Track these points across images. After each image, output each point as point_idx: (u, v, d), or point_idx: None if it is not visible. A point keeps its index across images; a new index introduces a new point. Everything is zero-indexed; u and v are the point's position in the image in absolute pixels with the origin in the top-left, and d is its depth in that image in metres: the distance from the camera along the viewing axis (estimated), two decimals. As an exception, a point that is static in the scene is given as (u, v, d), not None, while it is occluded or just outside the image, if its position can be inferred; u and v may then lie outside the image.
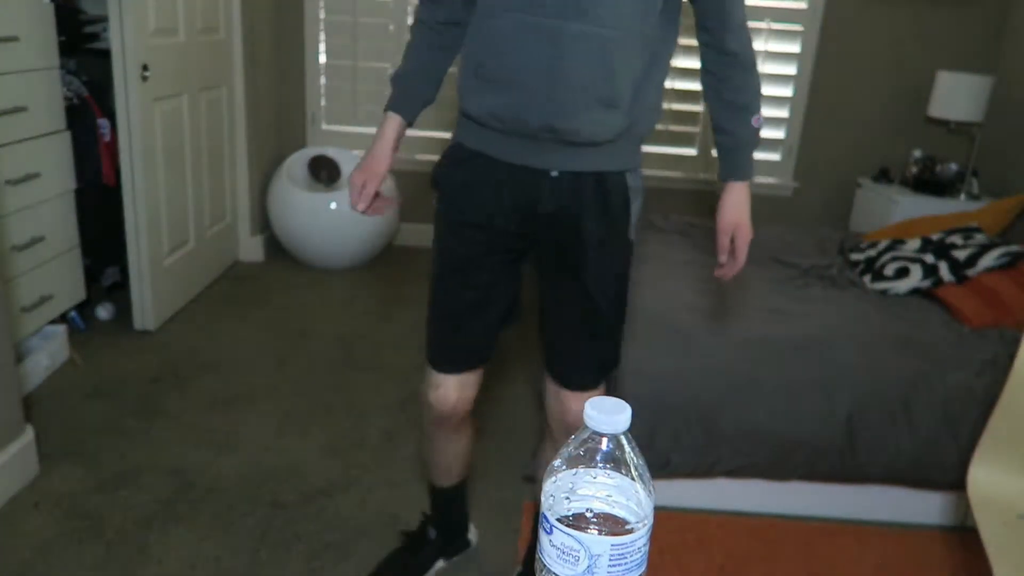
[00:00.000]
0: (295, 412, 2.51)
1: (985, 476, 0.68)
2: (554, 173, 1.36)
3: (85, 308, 2.95)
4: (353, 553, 1.91)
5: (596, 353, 1.52)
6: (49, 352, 2.60)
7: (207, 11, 3.21)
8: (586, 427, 0.60)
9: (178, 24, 2.99)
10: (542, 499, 0.62)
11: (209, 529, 1.95)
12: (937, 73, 3.55)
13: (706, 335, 2.14)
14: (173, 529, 1.94)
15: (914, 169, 3.65)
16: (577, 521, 0.59)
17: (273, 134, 3.95)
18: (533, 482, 2.19)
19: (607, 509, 0.60)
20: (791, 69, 3.82)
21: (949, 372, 2.08)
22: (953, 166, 3.59)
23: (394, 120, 1.47)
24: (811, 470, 2.07)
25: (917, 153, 3.69)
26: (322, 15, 3.86)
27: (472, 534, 1.93)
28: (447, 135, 3.48)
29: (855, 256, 2.87)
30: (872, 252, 2.81)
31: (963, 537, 2.13)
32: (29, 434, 2.10)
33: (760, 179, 4.04)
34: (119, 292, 3.11)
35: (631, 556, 0.60)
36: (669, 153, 4.00)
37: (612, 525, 0.59)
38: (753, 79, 1.43)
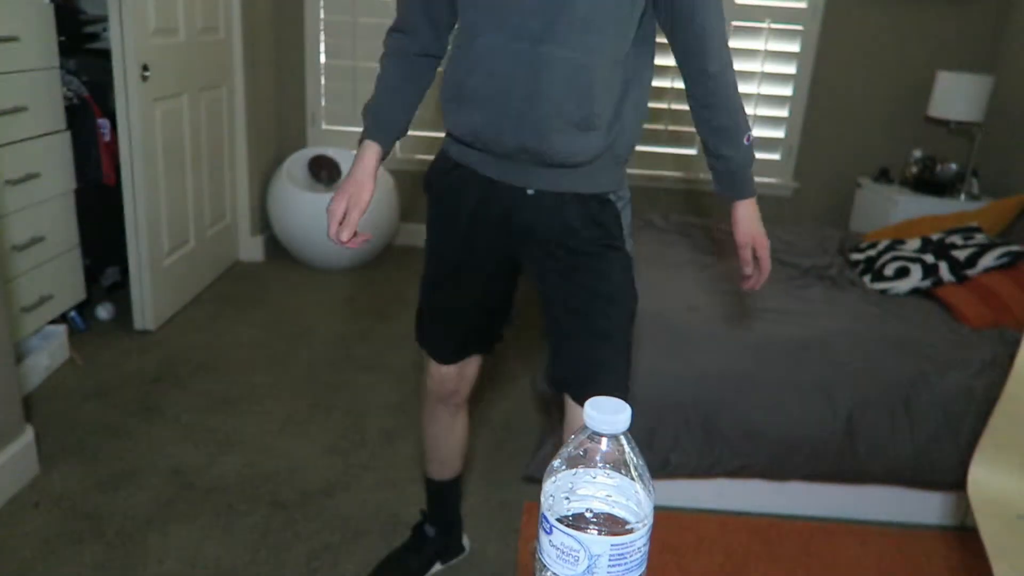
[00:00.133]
0: (295, 412, 2.51)
1: (985, 476, 0.68)
2: (530, 191, 1.37)
3: (85, 308, 2.95)
4: (353, 553, 1.91)
5: (605, 381, 1.44)
6: (49, 352, 2.60)
7: (207, 11, 3.22)
8: (586, 427, 0.60)
9: (178, 24, 2.99)
10: (542, 499, 0.62)
11: (209, 529, 1.96)
12: (937, 73, 3.55)
13: (706, 335, 2.14)
14: (173, 529, 1.94)
15: (914, 169, 3.65)
16: (577, 521, 0.59)
17: (273, 134, 3.96)
18: (533, 482, 2.19)
19: (607, 509, 0.60)
20: (791, 69, 3.82)
21: (949, 372, 2.08)
22: (953, 166, 3.58)
23: (372, 147, 1.44)
24: (811, 470, 2.07)
25: (917, 153, 3.69)
26: (322, 15, 3.86)
27: (466, 540, 1.94)
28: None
29: (855, 256, 2.87)
30: (872, 252, 2.81)
31: (963, 537, 2.13)
32: (29, 434, 2.10)
33: (760, 179, 4.03)
34: (119, 292, 3.12)
35: (631, 556, 0.60)
36: (669, 153, 4.00)
37: (612, 525, 0.59)
38: (737, 99, 1.41)
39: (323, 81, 3.98)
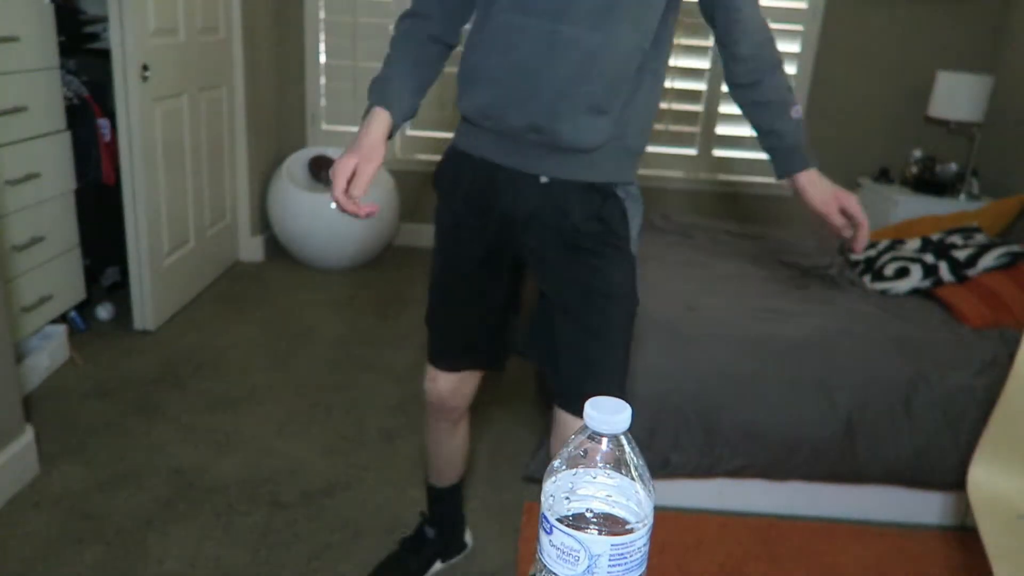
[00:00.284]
0: (295, 412, 2.51)
1: (985, 476, 0.68)
2: (544, 179, 1.36)
3: (85, 308, 2.95)
4: (353, 553, 1.91)
5: (599, 384, 1.42)
6: (49, 352, 2.60)
7: (207, 11, 3.22)
8: (586, 427, 0.60)
9: (178, 24, 2.99)
10: (542, 499, 0.62)
11: (209, 529, 1.96)
12: (937, 73, 3.55)
13: (706, 335, 2.14)
14: (173, 529, 1.94)
15: (914, 169, 3.65)
16: (577, 521, 0.59)
17: (273, 134, 3.96)
18: (533, 482, 2.19)
19: (607, 509, 0.60)
20: (791, 69, 3.82)
21: (949, 372, 2.08)
22: (953, 166, 3.59)
23: (381, 115, 1.35)
24: (811, 470, 2.07)
25: (917, 153, 3.69)
26: (322, 15, 3.86)
27: (468, 536, 1.94)
28: (448, 135, 3.49)
29: (855, 256, 2.87)
30: (872, 252, 2.81)
31: (963, 537, 2.13)
32: (29, 434, 2.10)
33: (760, 179, 4.04)
34: (119, 292, 3.12)
35: (631, 556, 0.60)
36: (669, 153, 4.00)
37: (612, 525, 0.59)
38: (782, 75, 1.43)
39: (323, 81, 3.98)
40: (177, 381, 2.64)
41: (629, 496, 0.60)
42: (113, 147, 2.85)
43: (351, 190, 1.29)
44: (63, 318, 2.80)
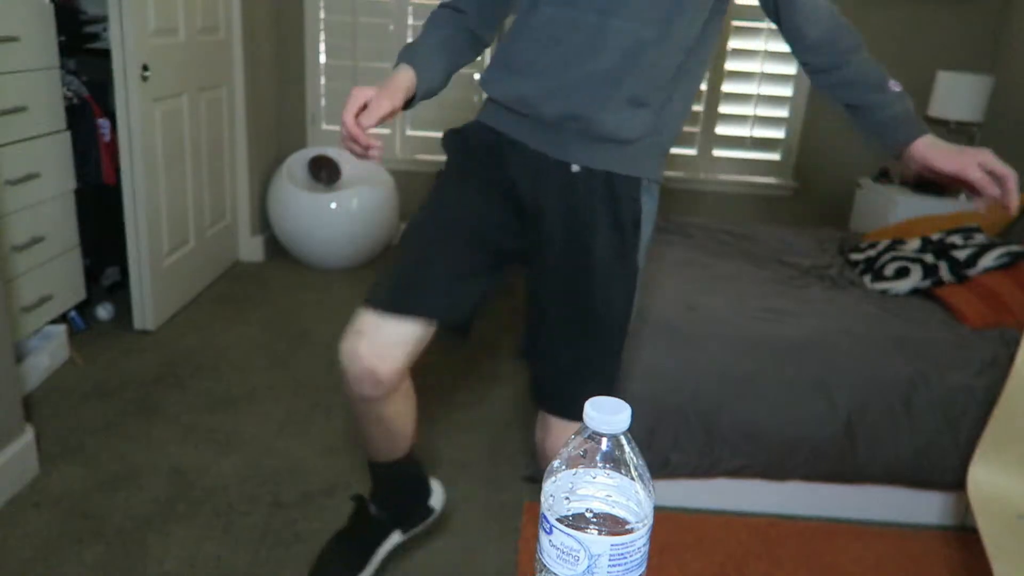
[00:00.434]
0: (295, 412, 2.51)
1: (985, 476, 0.68)
2: (575, 168, 1.34)
3: (85, 308, 2.95)
4: (353, 553, 1.90)
5: (587, 388, 1.39)
6: (49, 352, 2.60)
7: (207, 11, 3.22)
8: (586, 427, 0.60)
9: (178, 24, 2.99)
10: (542, 499, 0.62)
11: (209, 529, 1.95)
12: (937, 73, 3.55)
13: (706, 335, 2.14)
14: (173, 529, 1.94)
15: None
16: (577, 521, 0.59)
17: (273, 134, 3.96)
18: (533, 482, 2.19)
19: (607, 509, 0.60)
20: (791, 69, 3.81)
21: (949, 372, 2.08)
22: (953, 166, 3.58)
23: (406, 71, 1.30)
24: (811, 470, 2.07)
25: (917, 153, 3.69)
26: (322, 15, 3.86)
27: (437, 499, 1.74)
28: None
29: (855, 256, 2.87)
30: (872, 252, 2.81)
31: (963, 537, 2.13)
32: (29, 434, 2.10)
33: (760, 179, 4.04)
34: (119, 292, 3.12)
35: (631, 556, 0.60)
36: (669, 153, 3.99)
37: (612, 525, 0.59)
38: (865, 56, 1.41)
39: (323, 81, 3.98)
40: (177, 381, 2.64)
41: (629, 496, 0.60)
42: (113, 147, 2.85)
43: (361, 118, 1.22)
44: (63, 318, 2.80)
